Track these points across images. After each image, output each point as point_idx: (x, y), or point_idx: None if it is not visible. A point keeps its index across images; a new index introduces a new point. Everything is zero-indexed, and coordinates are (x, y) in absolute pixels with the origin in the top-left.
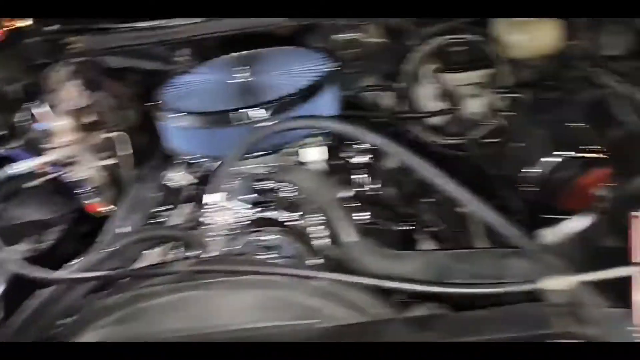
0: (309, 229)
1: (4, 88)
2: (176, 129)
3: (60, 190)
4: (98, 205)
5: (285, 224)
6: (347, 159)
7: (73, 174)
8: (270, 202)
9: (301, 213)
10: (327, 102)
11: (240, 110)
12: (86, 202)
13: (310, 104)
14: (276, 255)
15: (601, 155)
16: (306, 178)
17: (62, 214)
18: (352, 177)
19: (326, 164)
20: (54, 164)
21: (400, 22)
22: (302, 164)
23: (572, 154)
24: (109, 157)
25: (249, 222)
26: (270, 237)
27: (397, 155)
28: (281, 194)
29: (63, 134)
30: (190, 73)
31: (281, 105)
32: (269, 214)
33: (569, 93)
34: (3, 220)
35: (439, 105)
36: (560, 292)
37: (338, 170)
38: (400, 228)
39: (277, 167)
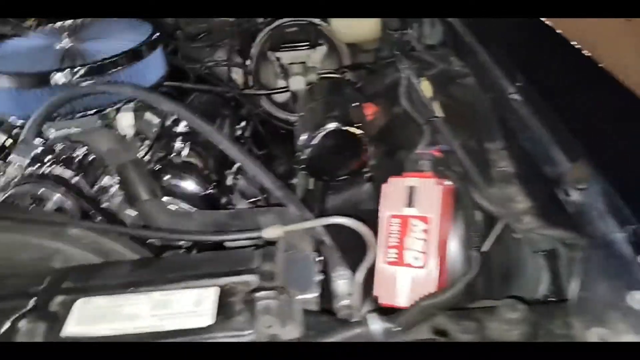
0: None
1: None
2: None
3: None
4: None
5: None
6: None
7: None
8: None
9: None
10: (151, 71)
11: (54, 73)
12: None
13: (133, 71)
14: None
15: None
16: (102, 140)
17: None
18: (173, 143)
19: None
20: None
21: None
22: (109, 127)
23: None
24: None
25: (29, 175)
26: (41, 189)
27: (190, 121)
28: (74, 155)
29: None
30: (18, 37)
31: (97, 69)
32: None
33: (373, 74)
34: None
35: (281, 83)
36: (276, 239)
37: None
38: (207, 192)
39: (81, 129)
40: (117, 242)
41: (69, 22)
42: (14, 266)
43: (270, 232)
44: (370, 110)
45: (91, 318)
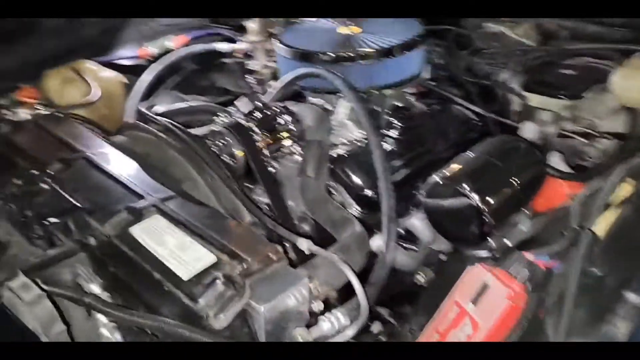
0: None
1: None
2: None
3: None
4: None
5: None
6: None
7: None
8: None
9: None
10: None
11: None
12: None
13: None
14: None
15: None
16: (308, 114)
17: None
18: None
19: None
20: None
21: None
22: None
23: None
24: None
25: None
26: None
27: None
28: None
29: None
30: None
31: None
32: None
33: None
34: (207, 80)
35: None
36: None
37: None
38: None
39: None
40: None
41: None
42: None
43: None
44: (558, 189)
45: (150, 232)
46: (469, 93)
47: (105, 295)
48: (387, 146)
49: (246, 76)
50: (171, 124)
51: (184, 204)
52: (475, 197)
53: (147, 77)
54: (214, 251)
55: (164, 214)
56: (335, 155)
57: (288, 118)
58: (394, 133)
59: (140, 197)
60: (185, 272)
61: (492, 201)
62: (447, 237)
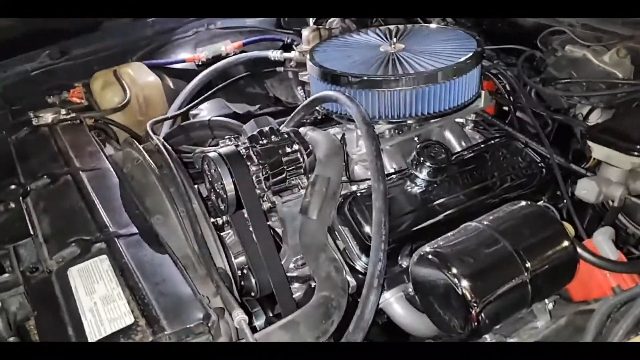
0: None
1: None
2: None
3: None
4: None
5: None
6: None
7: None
8: None
9: None
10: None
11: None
12: None
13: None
14: None
15: None
16: (322, 144)
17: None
18: None
19: None
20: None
21: None
22: None
23: None
24: None
25: None
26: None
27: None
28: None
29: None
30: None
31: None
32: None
33: None
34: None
35: None
36: None
37: None
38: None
39: None
40: None
41: (394, 26)
42: None
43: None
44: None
45: (86, 276)
46: (533, 128)
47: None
48: (414, 189)
49: (298, 88)
50: (163, 144)
51: (139, 244)
52: (462, 285)
53: (195, 83)
54: (135, 311)
55: (111, 254)
56: (348, 193)
57: (297, 147)
58: (423, 174)
59: (103, 228)
60: (95, 332)
61: (485, 292)
62: (430, 316)
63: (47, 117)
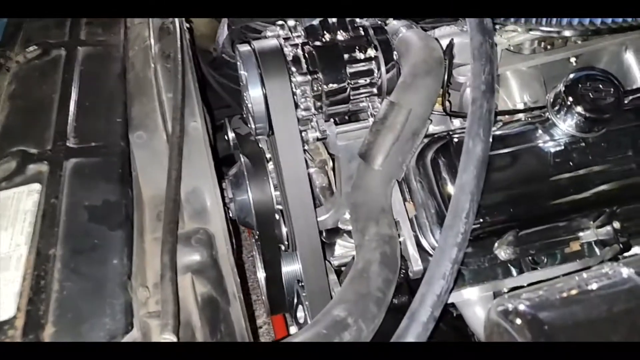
0: None
1: None
2: None
3: None
4: None
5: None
6: None
7: None
8: None
9: None
10: None
11: None
12: None
13: None
14: None
15: None
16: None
17: None
18: None
19: None
20: None
21: None
22: None
23: None
24: None
25: None
26: None
27: None
28: None
29: None
30: None
31: None
32: None
33: None
34: None
35: None
36: None
37: None
38: None
39: None
40: None
41: None
42: None
43: None
44: None
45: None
46: None
47: None
48: (547, 145)
49: None
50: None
51: (94, 173)
52: None
53: None
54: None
55: (48, 184)
56: (441, 133)
57: (372, 53)
58: (568, 123)
59: (58, 140)
60: None
61: None
62: None
63: None
